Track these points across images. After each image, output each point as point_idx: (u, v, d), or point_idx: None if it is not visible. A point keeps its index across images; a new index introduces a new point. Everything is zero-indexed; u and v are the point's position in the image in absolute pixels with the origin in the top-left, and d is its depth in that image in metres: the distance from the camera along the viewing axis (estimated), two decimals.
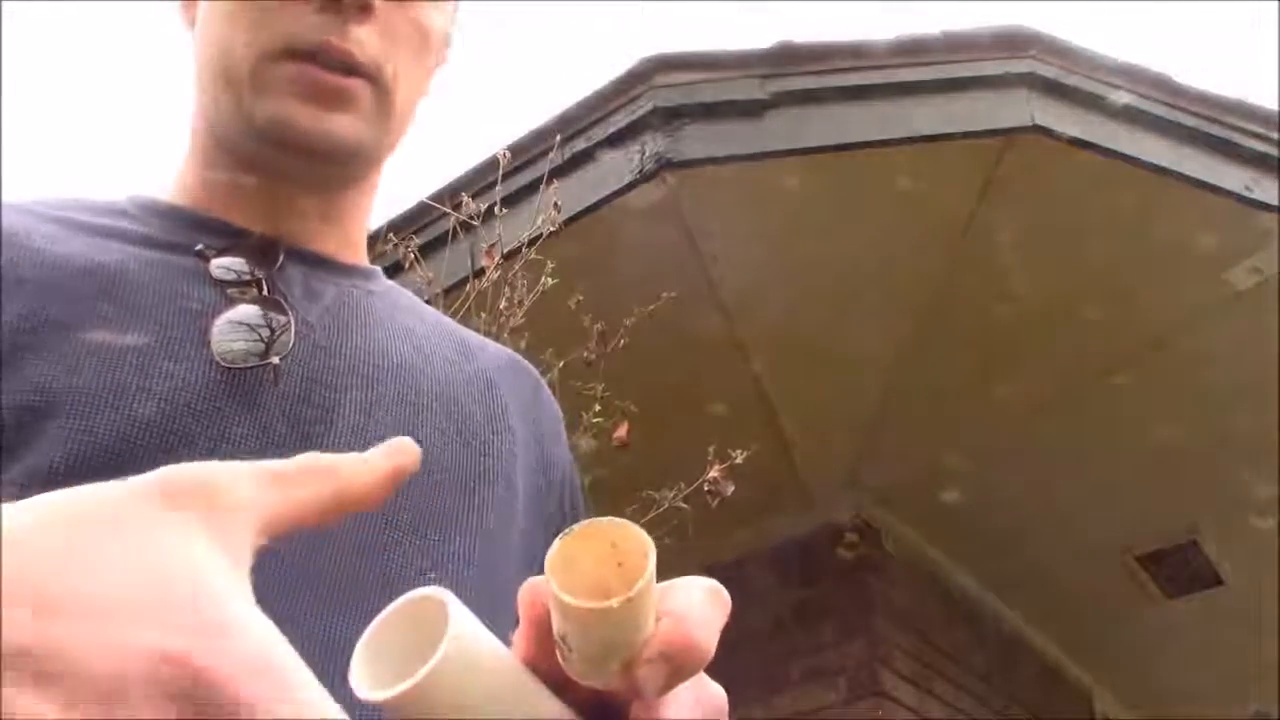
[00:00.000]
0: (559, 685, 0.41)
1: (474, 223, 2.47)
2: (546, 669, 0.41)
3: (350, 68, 0.66)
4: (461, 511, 0.64)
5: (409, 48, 0.70)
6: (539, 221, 2.37)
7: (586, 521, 0.40)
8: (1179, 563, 4.01)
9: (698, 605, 0.41)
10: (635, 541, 0.40)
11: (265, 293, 0.65)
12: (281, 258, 0.68)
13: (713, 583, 0.43)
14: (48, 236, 0.63)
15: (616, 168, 2.69)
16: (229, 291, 0.64)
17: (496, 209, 2.42)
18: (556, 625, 0.39)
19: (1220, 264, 2.84)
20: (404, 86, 0.70)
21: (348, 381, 0.65)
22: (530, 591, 0.42)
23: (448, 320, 0.81)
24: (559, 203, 2.39)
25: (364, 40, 0.67)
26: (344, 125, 0.67)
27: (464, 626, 0.37)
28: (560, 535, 0.39)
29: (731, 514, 2.34)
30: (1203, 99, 2.85)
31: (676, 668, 0.39)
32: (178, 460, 0.54)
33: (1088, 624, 4.36)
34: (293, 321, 0.64)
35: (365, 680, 0.36)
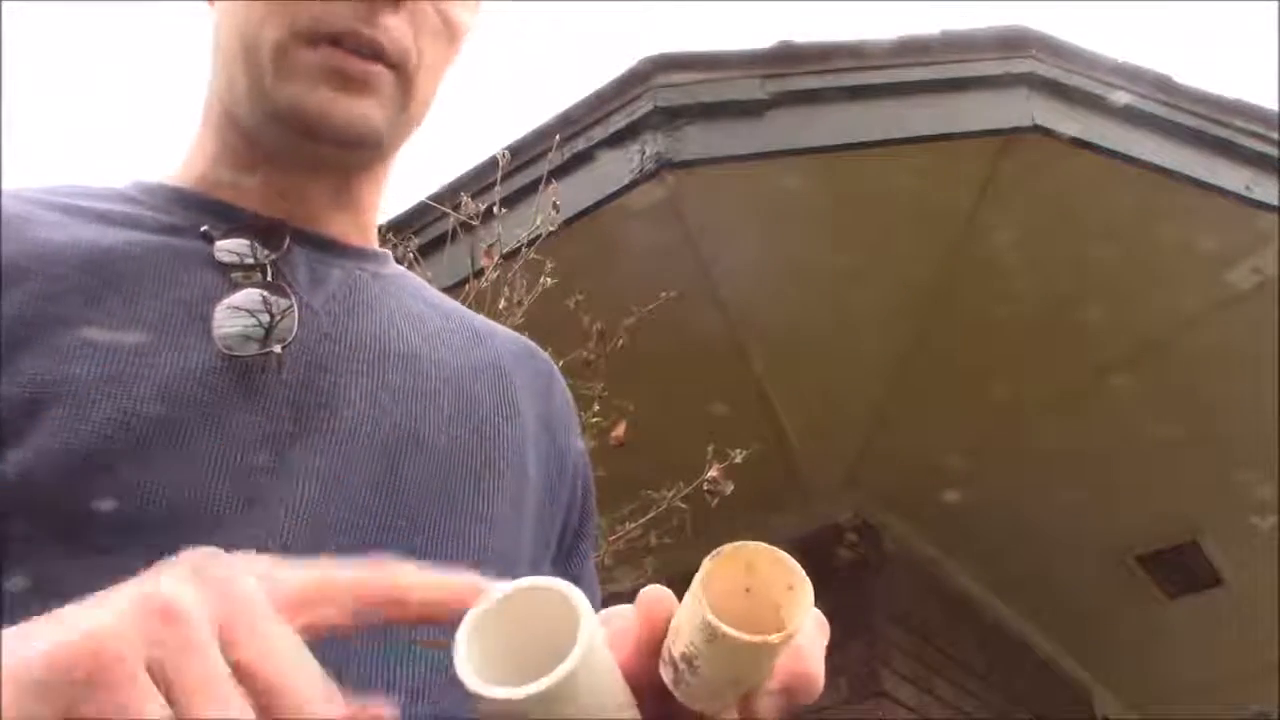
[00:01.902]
0: (638, 696, 0.39)
1: (474, 223, 2.47)
2: (640, 682, 0.39)
3: (376, 54, 0.66)
4: (471, 498, 0.64)
5: (434, 39, 0.70)
6: (539, 221, 2.37)
7: (736, 545, 0.38)
8: (1179, 563, 4.01)
9: (813, 638, 0.40)
10: (777, 570, 0.38)
11: (269, 277, 0.64)
12: (288, 241, 0.67)
13: (815, 612, 0.41)
14: (47, 224, 0.62)
15: (616, 168, 2.69)
16: (233, 275, 0.64)
17: (496, 209, 2.42)
18: (688, 647, 0.37)
19: (1220, 264, 2.84)
20: (425, 77, 0.70)
21: (353, 367, 0.64)
22: (655, 601, 0.40)
23: (459, 306, 0.80)
24: (559, 203, 2.38)
25: (392, 29, 0.66)
26: (364, 111, 0.66)
27: (594, 629, 0.35)
28: (710, 556, 0.37)
29: (731, 514, 2.34)
30: (1203, 99, 2.85)
31: (794, 700, 0.39)
32: (176, 448, 0.54)
33: (1088, 624, 4.36)
34: (296, 306, 0.63)
35: (472, 671, 0.35)
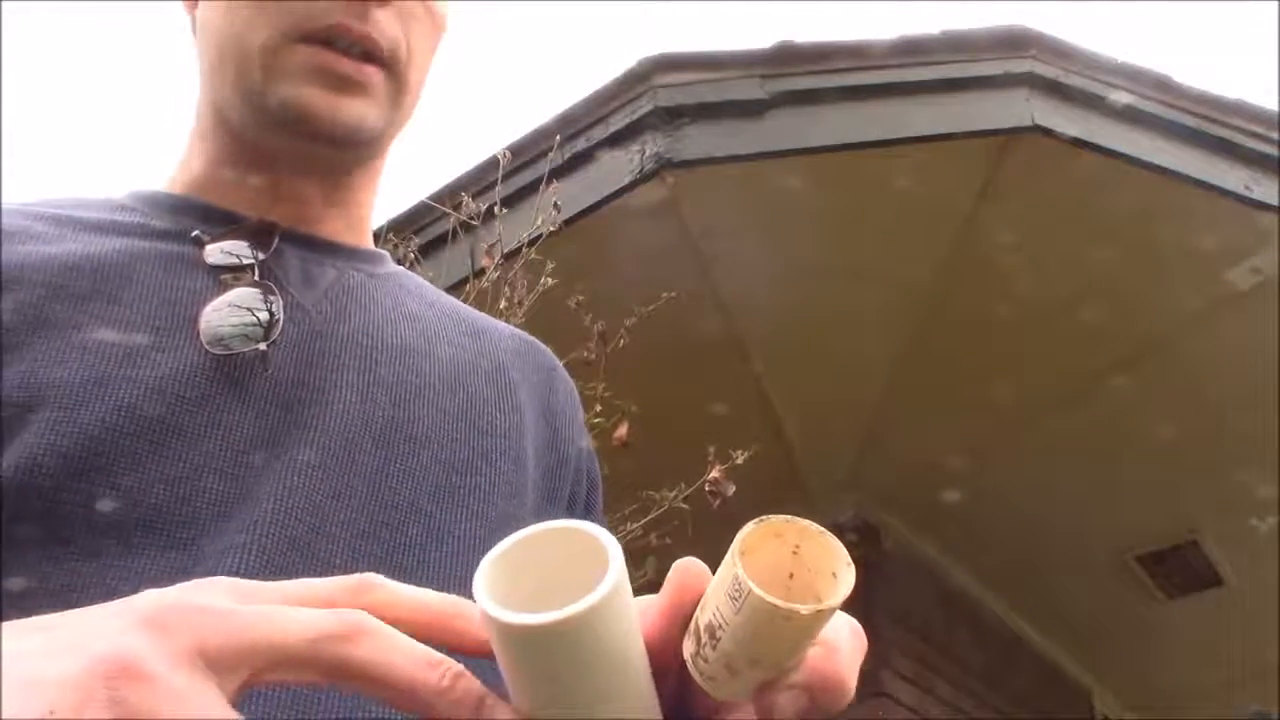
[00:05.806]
0: (659, 672, 0.37)
1: (474, 223, 2.47)
2: (663, 655, 0.37)
3: (368, 53, 0.65)
4: (466, 491, 0.63)
5: (421, 31, 0.70)
6: (539, 221, 2.37)
7: (786, 518, 0.36)
8: (1179, 563, 4.01)
9: (848, 642, 0.38)
10: (826, 557, 0.35)
11: (258, 277, 0.64)
12: (277, 242, 0.67)
13: (854, 621, 0.40)
14: (38, 235, 0.62)
15: (616, 168, 2.69)
16: (222, 277, 0.63)
17: (496, 209, 2.42)
18: (714, 615, 0.35)
19: (1220, 264, 2.84)
20: (415, 71, 0.70)
21: (344, 364, 0.64)
22: (689, 570, 0.38)
23: (458, 304, 0.79)
24: (559, 203, 2.38)
25: (382, 23, 0.66)
26: (358, 110, 0.66)
27: (623, 571, 0.33)
28: (755, 521, 0.35)
29: (731, 513, 2.34)
30: (1203, 99, 2.85)
31: (816, 703, 0.36)
32: (164, 447, 0.54)
33: (1088, 624, 4.36)
34: (282, 305, 0.63)
35: (489, 597, 0.33)
